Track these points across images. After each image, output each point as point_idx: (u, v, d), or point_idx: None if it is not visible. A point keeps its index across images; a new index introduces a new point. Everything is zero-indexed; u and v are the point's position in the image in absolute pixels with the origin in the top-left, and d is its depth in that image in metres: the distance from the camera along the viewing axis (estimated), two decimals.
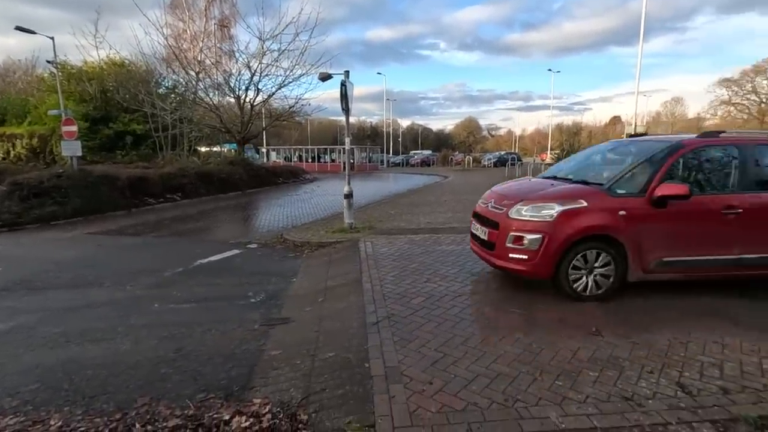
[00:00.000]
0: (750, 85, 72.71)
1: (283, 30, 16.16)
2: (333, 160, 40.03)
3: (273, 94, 16.98)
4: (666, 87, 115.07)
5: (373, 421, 2.25)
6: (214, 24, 20.44)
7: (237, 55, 18.84)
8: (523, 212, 4.01)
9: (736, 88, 73.71)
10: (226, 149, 35.86)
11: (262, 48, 16.23)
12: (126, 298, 4.57)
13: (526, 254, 3.93)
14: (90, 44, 19.25)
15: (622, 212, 3.82)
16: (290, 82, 16.71)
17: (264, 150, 46.06)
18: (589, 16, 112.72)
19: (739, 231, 3.97)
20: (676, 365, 2.79)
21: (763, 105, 72.75)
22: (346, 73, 7.19)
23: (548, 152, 43.33)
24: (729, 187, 4.06)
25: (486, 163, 36.36)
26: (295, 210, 11.64)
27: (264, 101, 17.47)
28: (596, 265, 3.90)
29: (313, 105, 19.58)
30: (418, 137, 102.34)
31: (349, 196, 7.53)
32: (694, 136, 4.39)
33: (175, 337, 3.52)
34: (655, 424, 2.19)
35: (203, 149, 25.49)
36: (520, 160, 34.17)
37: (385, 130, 51.88)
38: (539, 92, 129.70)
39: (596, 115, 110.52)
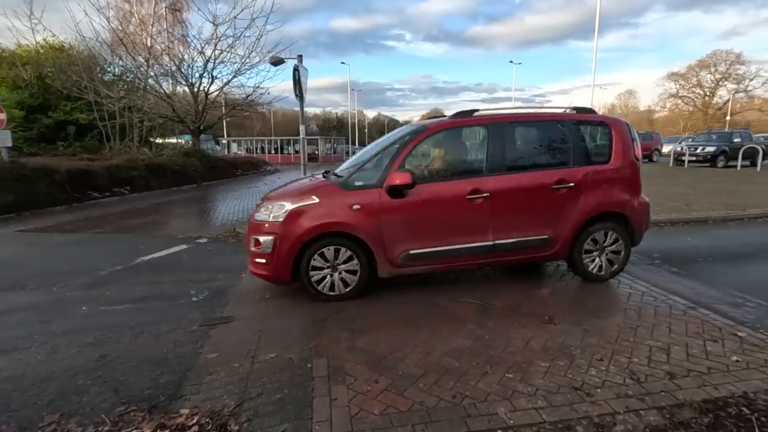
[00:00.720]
0: (695, 79, 77.24)
1: (238, 14, 15.38)
2: (297, 152, 39.15)
3: (228, 82, 16.21)
4: (620, 80, 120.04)
5: (310, 428, 2.06)
6: (165, 7, 19.28)
7: (190, 40, 17.84)
8: (262, 213, 3.77)
9: (683, 82, 78.19)
10: (183, 141, 34.37)
11: (216, 32, 15.40)
12: (51, 301, 4.14)
13: (264, 258, 3.68)
14: (25, 27, 17.67)
15: (356, 206, 3.56)
16: (247, 70, 15.98)
17: (225, 141, 44.46)
18: (550, 10, 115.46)
19: (490, 216, 3.73)
20: (626, 351, 2.77)
21: (706, 98, 77.52)
22: (299, 57, 6.86)
23: None
24: (475, 171, 3.83)
25: None
26: (253, 202, 11.17)
27: (219, 89, 16.66)
28: (338, 262, 3.65)
29: (273, 94, 18.92)
30: (384, 128, 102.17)
31: None
32: (447, 117, 4.08)
33: (100, 343, 3.18)
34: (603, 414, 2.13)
35: (159, 140, 24.20)
36: None
37: (350, 120, 51.26)
38: (503, 84, 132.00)
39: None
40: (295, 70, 6.64)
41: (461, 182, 3.73)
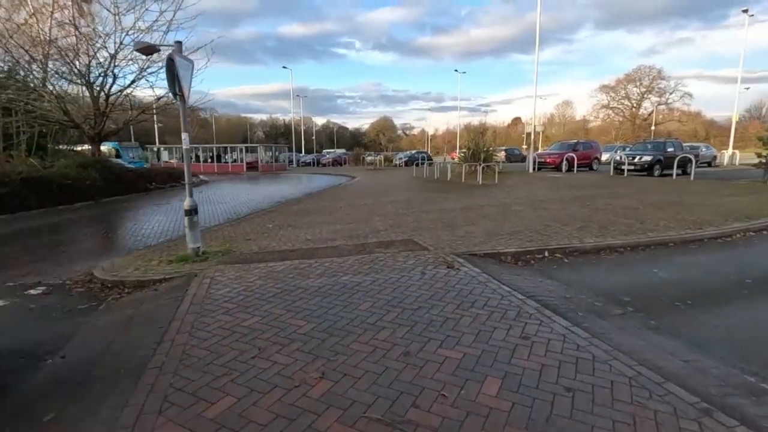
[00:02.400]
0: (623, 91, 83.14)
1: (144, 4, 13.27)
2: (234, 161, 36.50)
3: (134, 81, 13.98)
4: (558, 92, 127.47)
5: None
6: None
7: (94, 33, 15.32)
8: None
9: (613, 94, 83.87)
10: (106, 148, 30.70)
11: (118, 21, 13.16)
12: None
13: None
14: None
15: None
16: (155, 71, 13.85)
17: (155, 149, 40.71)
18: (492, 23, 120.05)
19: None
20: None
21: (634, 109, 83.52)
22: (178, 45, 5.24)
23: (457, 151, 44.30)
24: None
25: (397, 162, 35.76)
26: (149, 226, 9.21)
27: (121, 90, 14.33)
28: None
29: (196, 97, 16.79)
30: (333, 136, 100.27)
31: (191, 212, 5.57)
32: None
33: None
34: None
35: (65, 147, 20.92)
36: (430, 159, 34.09)
37: (293, 127, 49.23)
38: (450, 94, 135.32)
39: (500, 116, 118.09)
40: (170, 61, 5.01)
41: None
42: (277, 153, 38.80)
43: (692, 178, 16.14)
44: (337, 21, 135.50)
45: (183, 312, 3.74)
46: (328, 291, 4.17)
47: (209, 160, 37.48)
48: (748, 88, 57.67)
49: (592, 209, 8.93)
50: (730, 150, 28.07)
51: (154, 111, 15.50)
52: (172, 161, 39.09)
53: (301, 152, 55.29)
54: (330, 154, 48.77)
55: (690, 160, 18.93)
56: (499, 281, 4.40)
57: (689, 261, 5.58)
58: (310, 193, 14.66)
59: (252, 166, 36.16)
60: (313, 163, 42.78)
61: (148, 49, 5.63)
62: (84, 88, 13.89)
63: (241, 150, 36.50)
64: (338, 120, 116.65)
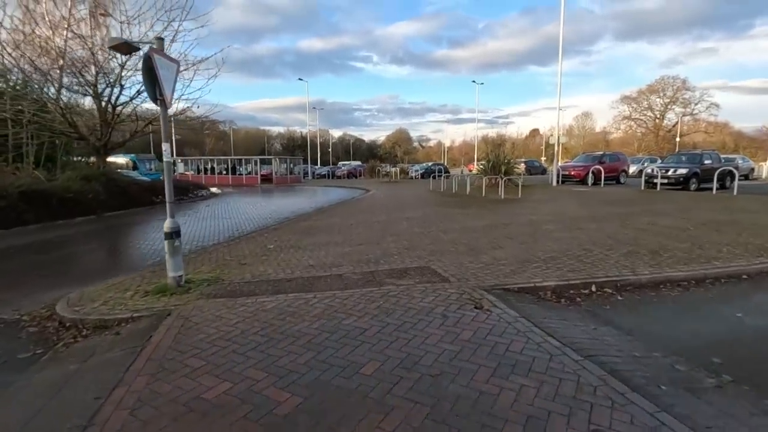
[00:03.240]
0: (646, 102, 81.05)
1: (156, 14, 12.91)
2: (249, 173, 36.25)
3: (139, 92, 13.56)
4: (576, 103, 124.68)
5: None
6: (84, 9, 16.41)
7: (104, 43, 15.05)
8: None
9: (635, 105, 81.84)
10: (125, 160, 30.80)
11: (127, 30, 12.81)
12: None
13: None
14: None
15: None
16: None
17: (176, 160, 40.88)
18: (509, 36, 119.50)
19: None
20: None
21: (657, 120, 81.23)
22: (158, 42, 4.52)
23: (475, 163, 43.30)
24: None
25: (413, 174, 34.92)
26: (144, 245, 8.52)
27: (129, 100, 13.94)
28: None
29: (208, 108, 16.34)
30: (349, 148, 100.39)
31: (172, 235, 4.78)
32: None
33: None
34: None
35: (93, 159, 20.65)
36: (447, 172, 33.14)
37: (308, 139, 49.09)
38: (467, 106, 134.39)
39: (518, 128, 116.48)
40: (146, 59, 4.29)
41: None
42: (292, 165, 38.44)
43: (735, 193, 14.77)
44: (354, 35, 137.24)
45: (135, 372, 2.89)
46: (325, 342, 3.27)
47: (224, 172, 37.37)
48: None
49: (635, 230, 7.85)
50: None
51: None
52: (188, 173, 39.21)
53: (317, 164, 55.13)
54: (345, 166, 48.34)
55: (730, 173, 17.56)
56: (543, 330, 3.44)
57: None
58: (321, 208, 13.88)
59: (267, 178, 35.86)
60: (329, 175, 42.32)
61: (126, 48, 4.92)
62: (91, 99, 13.52)
63: (255, 162, 36.25)
64: (355, 132, 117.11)
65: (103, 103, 13.50)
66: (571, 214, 10.24)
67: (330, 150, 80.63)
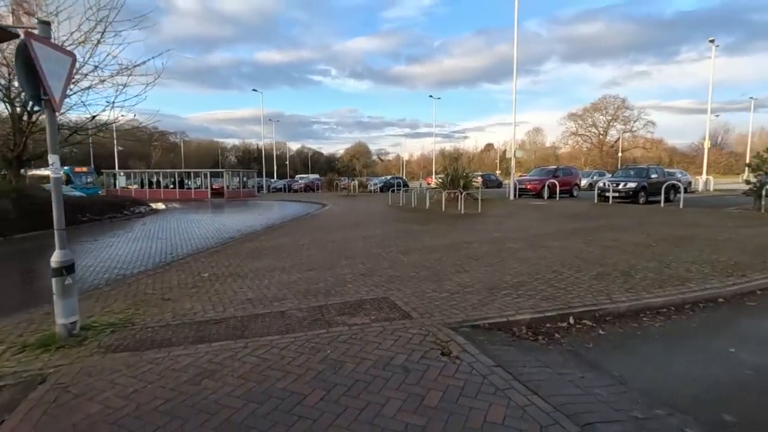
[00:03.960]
0: (591, 119, 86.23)
1: (86, 14, 11.54)
2: (198, 186, 34.21)
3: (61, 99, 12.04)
4: (528, 119, 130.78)
5: None
6: (4, 6, 14.57)
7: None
8: None
9: (581, 122, 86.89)
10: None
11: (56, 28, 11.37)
12: None
13: None
14: None
15: None
16: (92, 83, 11.98)
17: (112, 174, 37.87)
18: (464, 55, 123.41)
19: None
20: None
21: (601, 136, 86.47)
22: (42, 26, 3.57)
23: (433, 176, 43.49)
24: None
25: (372, 188, 34.36)
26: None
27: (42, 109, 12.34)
28: None
29: (142, 116, 14.92)
30: (308, 161, 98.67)
31: (62, 270, 3.76)
32: None
33: None
34: None
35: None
36: (407, 185, 32.88)
37: (263, 152, 47.44)
38: (425, 120, 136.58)
39: (474, 142, 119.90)
40: (22, 48, 3.34)
41: None
42: (245, 178, 36.75)
43: (681, 206, 15.31)
44: (313, 49, 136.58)
45: None
46: (249, 421, 2.45)
47: (171, 186, 35.06)
48: (717, 116, 60.27)
49: (601, 247, 7.57)
50: (704, 176, 28.13)
51: (89, 134, 13.42)
52: (131, 187, 36.48)
53: (273, 177, 53.37)
54: (303, 179, 47.09)
55: (674, 186, 18.34)
56: (525, 385, 2.81)
57: (760, 329, 4.17)
58: (273, 226, 12.85)
59: (218, 193, 33.98)
60: (285, 188, 40.88)
61: None
62: (3, 104, 11.83)
63: (205, 175, 34.28)
64: (313, 145, 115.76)
65: (18, 109, 11.84)
66: (533, 230, 9.94)
67: (287, 163, 78.83)
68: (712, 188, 27.48)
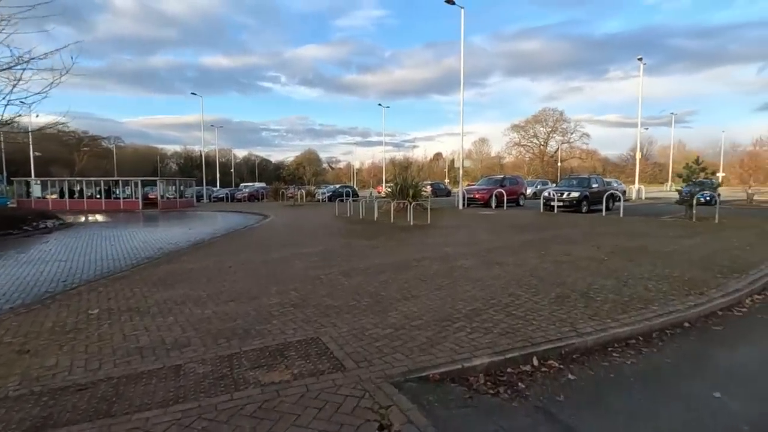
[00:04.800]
0: (532, 130, 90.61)
1: None
2: (128, 196, 31.23)
3: None
4: (474, 130, 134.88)
5: None
6: None
7: None
8: None
9: (523, 133, 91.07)
10: None
11: None
12: None
13: None
14: None
15: None
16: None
17: (27, 182, 33.70)
18: (414, 66, 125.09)
19: None
20: None
21: (541, 147, 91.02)
22: None
23: (383, 185, 43.04)
24: None
25: (320, 197, 33.17)
26: None
27: None
28: None
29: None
30: (255, 168, 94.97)
31: None
32: None
33: None
34: None
35: None
36: (356, 194, 32.08)
37: (204, 159, 44.75)
38: (376, 129, 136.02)
39: (423, 152, 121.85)
40: None
41: None
42: (182, 187, 34.11)
43: (622, 215, 15.75)
44: (262, 55, 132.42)
45: None
46: None
47: (97, 196, 31.72)
48: (647, 129, 65.12)
49: (554, 263, 7.17)
50: (637, 185, 29.85)
51: None
52: (49, 197, 32.63)
53: (216, 186, 50.41)
54: (247, 188, 44.81)
55: (613, 195, 19.00)
56: None
57: (737, 362, 3.75)
58: (202, 242, 11.48)
59: (151, 203, 31.21)
60: (227, 198, 38.53)
61: None
62: None
63: (136, 183, 31.37)
64: (262, 153, 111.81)
65: None
66: (485, 243, 9.47)
67: (233, 171, 75.28)
68: (644, 196, 29.19)
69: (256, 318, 4.58)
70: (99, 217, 23.18)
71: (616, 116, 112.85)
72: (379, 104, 44.42)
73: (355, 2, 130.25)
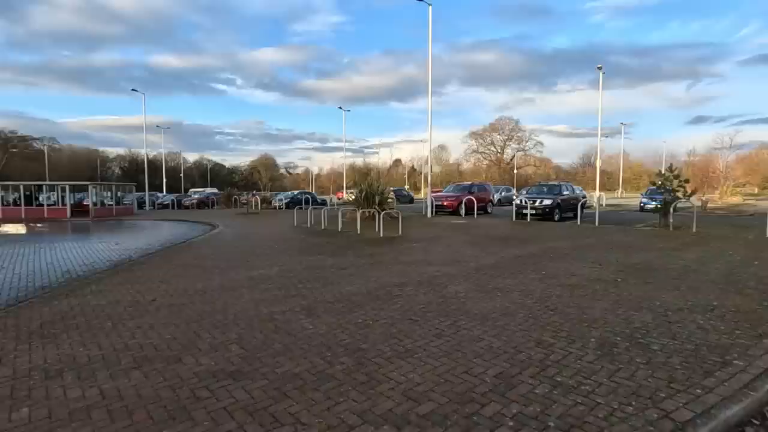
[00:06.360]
0: (489, 138, 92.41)
1: None
2: (54, 203, 27.49)
3: None
4: (432, 137, 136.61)
5: None
6: None
7: None
8: None
9: (481, 140, 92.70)
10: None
11: None
12: None
13: None
14: None
15: None
16: None
17: None
18: (373, 73, 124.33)
19: None
20: None
21: (498, 154, 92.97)
22: None
23: (344, 191, 41.30)
24: None
25: (277, 204, 30.90)
26: None
27: None
28: None
29: None
30: (207, 173, 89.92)
31: None
32: None
33: None
34: None
35: None
36: (316, 202, 30.16)
37: (146, 162, 41.03)
38: (335, 135, 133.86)
39: (382, 158, 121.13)
40: None
41: None
42: (120, 193, 30.63)
43: (597, 223, 15.12)
44: (216, 57, 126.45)
45: None
46: None
47: (16, 203, 27.65)
48: (607, 136, 67.57)
49: (563, 287, 5.91)
50: (597, 192, 30.14)
51: None
52: None
53: (162, 191, 46.43)
54: (197, 193, 41.52)
55: (582, 203, 18.50)
56: None
57: None
58: (126, 261, 9.32)
59: (83, 210, 27.62)
60: (173, 205, 35.24)
61: None
62: None
63: (64, 189, 27.68)
64: (216, 157, 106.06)
65: None
66: (471, 261, 8.13)
67: (182, 175, 70.56)
68: (605, 203, 29.48)
69: (165, 408, 2.86)
70: (9, 229, 19.79)
71: (564, 126, 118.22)
72: (340, 107, 42.73)
73: (312, 7, 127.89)
